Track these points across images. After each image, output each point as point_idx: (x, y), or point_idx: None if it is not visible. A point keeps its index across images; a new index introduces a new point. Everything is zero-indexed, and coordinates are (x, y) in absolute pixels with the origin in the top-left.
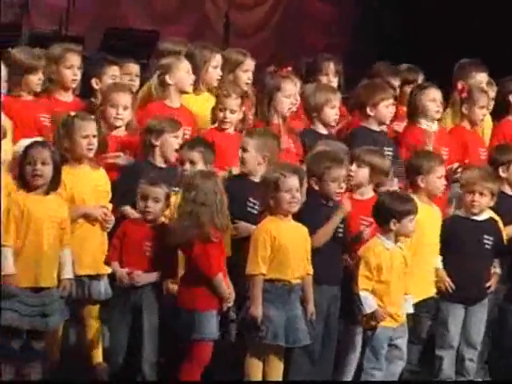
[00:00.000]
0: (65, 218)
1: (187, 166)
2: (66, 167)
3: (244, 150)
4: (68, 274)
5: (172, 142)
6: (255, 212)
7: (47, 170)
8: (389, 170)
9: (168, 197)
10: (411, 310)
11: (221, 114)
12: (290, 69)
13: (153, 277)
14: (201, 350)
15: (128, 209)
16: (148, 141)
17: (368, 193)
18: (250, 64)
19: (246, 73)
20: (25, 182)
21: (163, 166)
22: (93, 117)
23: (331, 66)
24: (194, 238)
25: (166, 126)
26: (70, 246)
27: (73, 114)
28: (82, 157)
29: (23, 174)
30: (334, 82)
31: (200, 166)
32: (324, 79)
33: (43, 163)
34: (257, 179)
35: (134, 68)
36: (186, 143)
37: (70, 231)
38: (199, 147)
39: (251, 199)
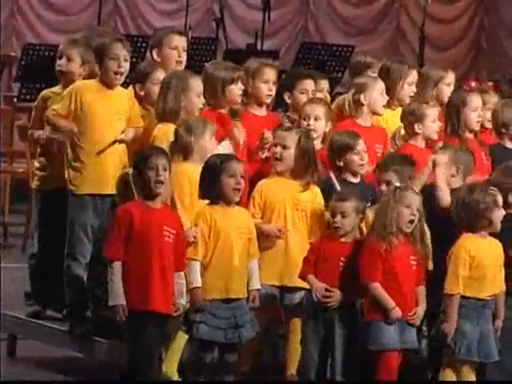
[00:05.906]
0: (251, 229)
1: (383, 187)
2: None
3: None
4: (256, 284)
5: (356, 161)
6: None
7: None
8: None
9: (360, 212)
10: None
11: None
12: (490, 84)
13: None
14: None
15: None
16: (332, 158)
17: None
18: (451, 77)
19: (448, 86)
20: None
21: (355, 180)
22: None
23: None
24: None
25: (349, 145)
26: (256, 256)
27: None
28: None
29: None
30: None
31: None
32: None
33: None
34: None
35: (326, 84)
36: (380, 164)
37: (256, 242)
38: (393, 166)
39: None
